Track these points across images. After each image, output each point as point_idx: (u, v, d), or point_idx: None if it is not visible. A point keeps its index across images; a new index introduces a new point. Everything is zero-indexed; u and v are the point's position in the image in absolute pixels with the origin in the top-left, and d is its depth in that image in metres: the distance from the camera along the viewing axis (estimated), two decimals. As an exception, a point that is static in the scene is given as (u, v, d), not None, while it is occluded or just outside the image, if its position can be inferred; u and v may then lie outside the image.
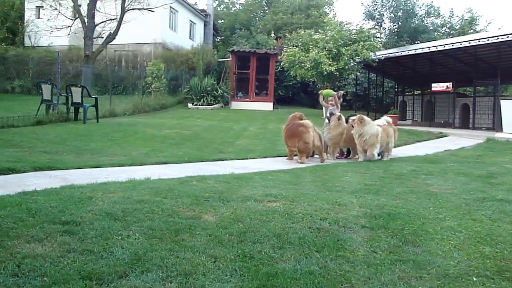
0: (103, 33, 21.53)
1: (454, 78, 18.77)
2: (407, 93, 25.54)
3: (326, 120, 9.53)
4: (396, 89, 25.37)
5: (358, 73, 22.79)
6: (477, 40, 16.14)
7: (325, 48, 18.63)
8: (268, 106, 22.42)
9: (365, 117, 8.71)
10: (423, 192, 5.28)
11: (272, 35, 29.78)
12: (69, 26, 21.93)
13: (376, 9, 34.55)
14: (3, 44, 24.24)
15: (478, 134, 14.60)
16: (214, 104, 21.65)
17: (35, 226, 3.32)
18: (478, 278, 2.82)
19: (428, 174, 6.74)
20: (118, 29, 20.80)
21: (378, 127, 8.67)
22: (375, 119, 10.52)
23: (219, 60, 25.34)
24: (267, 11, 39.41)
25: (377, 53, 19.84)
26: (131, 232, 3.32)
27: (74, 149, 8.54)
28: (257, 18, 39.89)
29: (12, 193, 4.35)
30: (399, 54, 20.69)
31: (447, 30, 34.23)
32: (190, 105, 21.41)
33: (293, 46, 20.36)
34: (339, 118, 9.01)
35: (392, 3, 33.53)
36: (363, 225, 3.76)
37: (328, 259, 3.03)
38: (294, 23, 33.04)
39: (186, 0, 29.26)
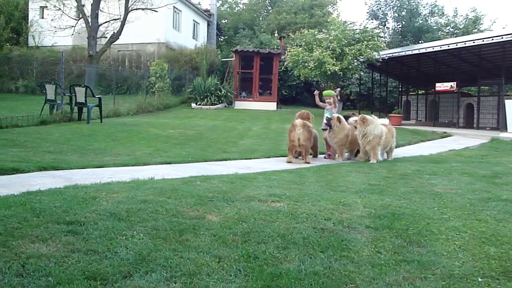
0: (107, 33, 21.60)
1: (458, 77, 18.71)
2: (411, 93, 25.48)
3: (324, 120, 9.16)
4: (400, 89, 25.32)
5: (362, 73, 22.75)
6: (482, 40, 16.08)
7: (329, 48, 18.61)
8: (272, 106, 22.42)
9: (368, 117, 8.46)
10: (427, 192, 5.26)
11: (276, 34, 29.78)
12: (73, 26, 22.01)
13: (380, 8, 34.52)
14: (8, 44, 24.38)
15: (482, 133, 14.54)
16: (217, 104, 21.66)
17: (39, 226, 3.33)
18: (483, 279, 2.80)
19: (432, 174, 6.71)
20: (122, 29, 20.85)
21: (383, 127, 8.44)
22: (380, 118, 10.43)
23: (222, 60, 25.36)
24: (270, 11, 39.42)
25: (381, 52, 19.81)
26: (135, 232, 3.32)
27: (78, 149, 8.55)
28: (261, 18, 39.93)
29: (17, 193, 4.37)
30: (403, 53, 20.64)
31: (451, 29, 34.15)
32: (193, 105, 21.43)
33: (297, 45, 20.35)
34: (339, 120, 8.67)
35: (396, 2, 33.50)
36: (367, 225, 3.75)
37: (333, 259, 3.02)
38: (298, 23, 33.06)
39: (190, 0, 29.29)
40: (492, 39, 15.54)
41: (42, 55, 23.67)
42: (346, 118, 8.98)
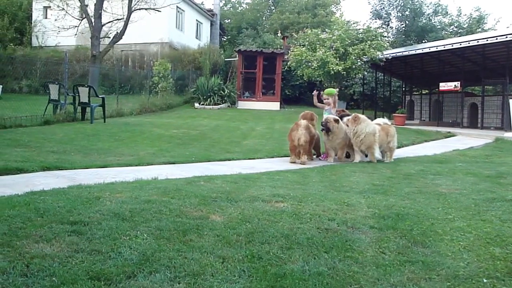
0: (110, 33, 21.63)
1: (462, 77, 18.63)
2: (415, 93, 25.42)
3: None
4: (403, 89, 25.26)
5: (365, 73, 22.72)
6: (486, 39, 16.02)
7: (332, 48, 18.59)
8: (275, 105, 22.41)
9: (360, 115, 8.35)
10: (431, 192, 5.24)
11: (279, 34, 29.76)
12: (76, 26, 22.07)
13: (383, 8, 34.43)
14: (11, 44, 24.45)
15: (486, 133, 14.48)
16: (220, 104, 21.66)
17: (43, 226, 3.33)
18: (489, 280, 2.79)
19: (436, 174, 6.69)
20: (125, 29, 20.88)
21: (375, 125, 8.29)
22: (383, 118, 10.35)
23: (225, 59, 25.36)
24: (273, 11, 39.41)
25: (385, 52, 19.77)
26: (139, 232, 3.31)
27: (82, 149, 8.57)
28: (264, 18, 39.92)
29: (21, 193, 4.38)
30: (406, 53, 20.59)
31: (455, 29, 34.02)
32: (196, 104, 21.44)
33: (300, 45, 20.33)
34: (337, 122, 8.39)
35: (399, 2, 33.40)
36: (371, 225, 3.73)
37: (337, 260, 3.01)
38: (301, 23, 33.01)
39: (193, 0, 29.33)
40: (496, 39, 15.47)
41: (46, 55, 23.75)
42: (341, 117, 8.85)
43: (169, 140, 10.71)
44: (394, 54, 20.58)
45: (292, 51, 19.89)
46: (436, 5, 34.39)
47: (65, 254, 2.86)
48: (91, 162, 7.16)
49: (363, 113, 10.16)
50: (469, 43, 16.64)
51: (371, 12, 35.00)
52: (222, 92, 21.95)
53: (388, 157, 8.53)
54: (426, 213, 4.15)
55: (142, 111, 17.82)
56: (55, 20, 22.34)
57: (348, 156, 8.90)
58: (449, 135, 14.47)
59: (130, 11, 20.93)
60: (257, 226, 3.58)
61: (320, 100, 9.54)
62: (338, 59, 18.37)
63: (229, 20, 39.80)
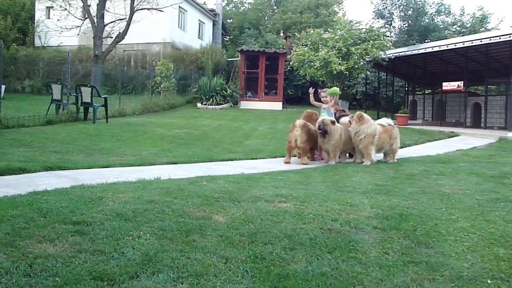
0: (113, 33, 21.66)
1: (465, 77, 18.58)
2: (418, 92, 25.36)
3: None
4: (406, 88, 25.21)
5: (368, 72, 22.71)
6: (489, 38, 15.97)
7: (335, 47, 18.57)
8: (277, 105, 22.40)
9: (365, 115, 8.24)
10: (435, 192, 5.23)
11: (281, 34, 29.75)
12: (78, 26, 22.10)
13: (386, 7, 34.39)
14: (14, 44, 24.47)
15: (490, 133, 14.45)
16: (223, 104, 21.66)
17: (46, 226, 3.33)
18: (493, 281, 2.78)
19: (439, 174, 6.67)
20: (127, 29, 20.90)
21: (377, 126, 8.20)
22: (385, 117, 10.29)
23: (228, 59, 25.36)
24: (276, 10, 39.37)
25: (387, 52, 19.74)
26: (141, 232, 3.31)
27: (84, 149, 8.58)
28: (266, 17, 39.90)
29: (23, 193, 4.38)
30: (409, 53, 20.55)
31: (458, 28, 33.94)
32: (199, 104, 21.45)
33: (303, 45, 20.32)
34: (333, 123, 8.10)
35: (402, 1, 33.36)
36: (374, 226, 3.72)
37: (340, 260, 3.00)
38: (303, 22, 32.98)
39: (195, -1, 29.37)
40: (500, 38, 15.42)
41: (48, 55, 23.79)
42: (340, 117, 8.74)
43: (171, 140, 10.72)
44: (397, 54, 20.54)
45: (295, 51, 19.88)
46: (439, 4, 34.36)
47: (68, 254, 2.86)
48: (93, 162, 7.17)
49: (365, 113, 10.05)
50: (472, 42, 16.59)
51: (373, 11, 35.00)
52: (225, 92, 21.95)
53: (391, 158, 8.46)
54: (429, 214, 4.13)
55: (145, 111, 17.83)
56: (58, 20, 22.40)
57: (351, 155, 8.85)
58: (452, 135, 14.44)
59: (132, 11, 20.95)
60: (260, 227, 3.57)
61: (318, 99, 9.35)
62: (340, 59, 18.36)
63: (231, 20, 39.78)
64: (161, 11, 21.84)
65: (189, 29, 29.02)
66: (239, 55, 23.59)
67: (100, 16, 20.60)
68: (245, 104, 22.43)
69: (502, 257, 3.12)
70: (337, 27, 20.14)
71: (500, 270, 2.92)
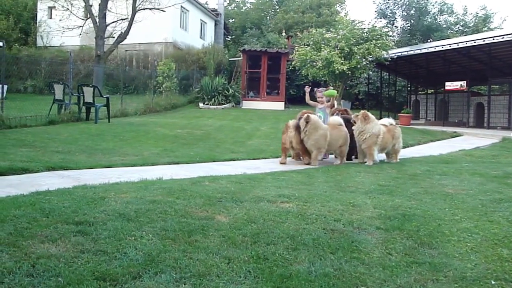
0: (115, 33, 21.66)
1: (468, 76, 18.55)
2: (420, 92, 25.32)
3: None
4: (409, 88, 25.16)
5: (371, 72, 22.65)
6: (492, 38, 15.94)
7: (337, 47, 18.52)
8: (280, 105, 22.38)
9: (370, 114, 8.14)
10: (438, 192, 5.21)
11: (283, 34, 29.71)
12: (80, 26, 22.12)
13: (388, 7, 34.36)
14: (16, 44, 24.53)
15: (493, 133, 14.41)
16: (225, 104, 21.66)
17: (48, 226, 3.33)
18: (497, 282, 2.76)
19: (442, 174, 6.65)
20: (129, 29, 20.90)
21: (381, 126, 8.13)
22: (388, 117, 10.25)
23: (230, 59, 25.36)
24: (278, 10, 39.36)
25: (390, 51, 19.69)
26: (144, 232, 3.31)
27: (86, 149, 8.59)
28: (268, 17, 39.88)
29: (26, 193, 4.38)
30: (412, 52, 20.52)
31: (461, 28, 33.88)
32: (201, 104, 21.45)
33: (305, 45, 20.28)
34: (307, 120, 7.73)
35: (404, 1, 33.31)
36: (377, 226, 3.71)
37: (343, 261, 2.99)
38: (305, 22, 32.95)
39: (197, -1, 29.37)
40: (503, 37, 15.39)
41: (50, 55, 23.83)
42: (346, 120, 8.46)
43: (173, 140, 10.72)
44: (400, 54, 20.51)
45: (297, 51, 19.85)
46: (442, 3, 34.30)
47: (70, 255, 2.85)
48: (96, 162, 7.17)
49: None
50: (475, 42, 16.56)
51: (376, 11, 34.95)
52: (227, 92, 21.94)
53: (394, 158, 8.43)
54: (432, 214, 4.12)
55: (147, 111, 17.83)
56: (60, 20, 22.42)
57: (356, 156, 8.73)
58: (455, 135, 14.40)
59: (134, 11, 20.96)
60: (262, 227, 3.57)
61: (313, 98, 9.20)
62: (343, 59, 18.31)
63: (233, 20, 39.78)
64: (163, 11, 21.84)
65: (191, 29, 29.03)
66: (241, 55, 23.58)
67: (102, 16, 20.61)
68: (247, 104, 22.42)
69: (506, 257, 3.11)
70: (339, 26, 20.09)
71: (504, 271, 2.90)
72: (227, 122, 15.41)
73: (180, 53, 25.38)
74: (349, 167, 7.58)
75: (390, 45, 19.80)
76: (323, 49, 18.61)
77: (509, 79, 18.14)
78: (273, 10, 41.04)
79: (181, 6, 25.95)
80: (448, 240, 3.44)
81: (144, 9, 21.32)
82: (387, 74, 24.01)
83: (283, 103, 22.67)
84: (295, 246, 3.20)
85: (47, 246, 2.98)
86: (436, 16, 34.08)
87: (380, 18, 34.57)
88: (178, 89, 21.84)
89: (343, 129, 8.17)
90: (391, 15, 34.42)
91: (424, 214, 4.09)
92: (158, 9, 21.46)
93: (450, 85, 18.95)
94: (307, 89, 9.23)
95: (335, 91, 9.56)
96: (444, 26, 33.68)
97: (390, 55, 19.58)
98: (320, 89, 9.35)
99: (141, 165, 7.16)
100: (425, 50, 19.37)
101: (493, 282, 2.75)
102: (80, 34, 22.92)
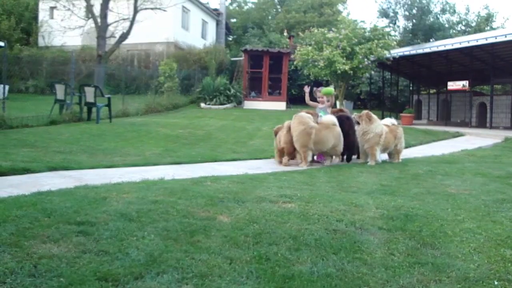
0: (116, 33, 21.66)
1: (471, 76, 18.50)
2: (423, 92, 25.27)
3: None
4: (411, 88, 25.12)
5: (372, 72, 22.62)
6: (495, 37, 15.90)
7: (339, 47, 18.50)
8: (281, 105, 22.34)
9: (373, 114, 8.09)
10: (440, 193, 5.20)
11: (285, 33, 29.68)
12: (82, 26, 22.11)
13: (390, 6, 34.35)
14: (18, 44, 24.55)
15: (495, 133, 14.38)
16: (226, 104, 21.63)
17: (50, 226, 3.33)
18: (500, 282, 2.76)
19: (445, 174, 6.64)
20: (131, 28, 20.91)
21: (383, 126, 8.10)
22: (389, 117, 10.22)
23: (231, 59, 25.33)
24: (279, 10, 39.37)
25: (392, 51, 19.65)
26: (146, 233, 3.30)
27: (88, 149, 8.58)
28: (270, 17, 39.89)
29: (28, 193, 4.38)
30: (414, 52, 20.48)
31: (463, 27, 33.84)
32: (202, 104, 21.44)
33: (306, 45, 20.25)
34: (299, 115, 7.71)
35: (406, 0, 33.25)
36: (380, 226, 3.70)
37: (345, 261, 2.98)
38: (307, 22, 32.95)
39: (199, -1, 29.39)
40: (506, 37, 15.34)
41: (52, 55, 23.84)
42: (339, 117, 8.27)
43: (175, 140, 10.71)
44: (402, 53, 20.47)
45: (299, 51, 19.82)
46: (444, 3, 34.26)
47: (72, 255, 2.85)
48: (97, 162, 7.17)
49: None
50: (477, 41, 16.52)
51: (378, 10, 34.96)
52: (228, 92, 21.92)
53: (396, 158, 8.40)
54: (435, 214, 4.11)
55: (148, 111, 17.82)
56: (61, 20, 22.40)
57: (358, 157, 8.72)
58: (457, 135, 14.37)
59: (136, 11, 20.96)
60: (264, 227, 3.56)
61: (313, 98, 9.11)
62: (345, 58, 18.28)
63: (235, 20, 39.75)
64: (164, 10, 21.84)
65: (192, 29, 29.03)
66: (243, 55, 23.56)
67: (104, 16, 20.62)
68: (248, 104, 22.39)
69: (509, 258, 3.10)
70: (341, 26, 20.05)
71: (507, 271, 2.90)
72: (229, 122, 15.40)
73: (181, 53, 25.38)
74: (351, 167, 7.57)
75: (392, 44, 19.77)
76: (325, 48, 18.58)
77: (511, 79, 18.11)
78: (274, 10, 41.04)
79: (183, 6, 25.96)
80: (451, 241, 3.43)
81: (145, 8, 21.32)
82: (389, 74, 23.97)
83: (285, 103, 22.63)
84: (297, 247, 3.20)
85: (49, 246, 2.98)
86: (438, 16, 34.05)
87: (382, 18, 34.57)
88: (179, 89, 21.81)
89: (336, 129, 7.90)
90: (393, 14, 34.40)
91: (426, 215, 4.08)
92: (159, 8, 21.45)
93: (452, 85, 18.92)
94: (307, 89, 9.11)
95: (332, 89, 9.46)
96: (446, 25, 33.65)
97: (392, 55, 19.54)
98: (319, 88, 9.27)
99: (142, 165, 7.15)
100: (427, 50, 19.33)
101: (496, 283, 2.74)
102: (82, 34, 22.92)
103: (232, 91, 22.06)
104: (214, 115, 17.83)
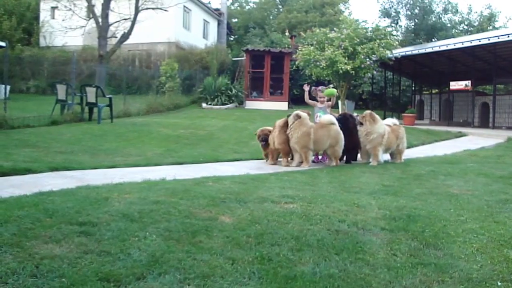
0: (117, 33, 21.68)
1: (473, 76, 18.47)
2: (425, 92, 25.22)
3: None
4: (413, 88, 25.08)
5: (374, 72, 22.56)
6: (497, 37, 15.87)
7: (341, 47, 18.47)
8: (283, 105, 22.30)
9: (375, 114, 8.08)
10: (443, 193, 5.18)
11: (287, 33, 29.66)
12: (83, 26, 22.13)
13: (392, 6, 34.30)
14: (19, 44, 24.58)
15: (498, 133, 14.35)
16: (228, 104, 21.63)
17: (52, 226, 3.32)
18: (503, 283, 2.74)
19: (447, 174, 6.62)
20: (132, 28, 20.92)
21: (386, 126, 8.11)
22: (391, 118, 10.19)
23: (233, 59, 25.33)
24: (281, 10, 39.38)
25: (394, 51, 19.62)
26: (147, 233, 3.29)
27: (89, 149, 8.59)
28: (271, 17, 39.88)
29: (29, 193, 4.37)
30: (416, 52, 20.45)
31: (465, 27, 33.82)
32: (204, 104, 21.43)
33: (308, 44, 20.22)
34: (298, 116, 7.68)
35: (408, 0, 33.20)
36: (382, 227, 3.69)
37: (348, 262, 2.97)
38: (309, 22, 32.95)
39: (200, -1, 29.39)
40: (508, 36, 15.30)
41: (53, 55, 23.87)
42: (349, 115, 8.38)
43: (176, 141, 10.71)
44: (404, 53, 20.44)
45: (300, 50, 19.78)
46: (446, 2, 34.22)
47: (74, 255, 2.85)
48: (99, 162, 7.16)
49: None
50: (480, 41, 16.48)
51: (380, 10, 34.92)
52: (230, 92, 21.91)
53: (398, 158, 8.39)
54: (437, 215, 4.09)
55: (149, 111, 17.82)
56: (63, 20, 22.41)
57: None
58: (459, 135, 14.34)
59: (137, 11, 20.98)
60: (266, 228, 3.55)
61: (312, 97, 9.03)
62: (346, 58, 18.24)
63: (236, 19, 39.76)
64: (165, 10, 21.84)
65: (193, 29, 29.04)
66: (244, 55, 23.56)
67: (105, 16, 20.63)
68: (250, 104, 22.38)
69: (512, 259, 3.08)
70: (343, 26, 20.01)
71: (510, 272, 2.88)
72: (230, 122, 15.39)
73: (183, 53, 25.38)
74: (353, 167, 7.57)
75: (394, 44, 19.72)
76: (326, 48, 18.54)
77: (514, 78, 18.08)
78: (276, 10, 41.05)
79: (184, 6, 25.95)
80: (453, 241, 3.41)
81: (146, 8, 21.33)
82: (391, 73, 23.93)
83: (287, 103, 22.61)
84: (299, 247, 3.18)
85: (51, 246, 2.97)
86: (440, 15, 34.01)
87: (384, 17, 34.55)
88: (181, 89, 21.82)
89: (334, 128, 7.80)
90: (395, 14, 34.37)
91: (429, 215, 4.07)
92: (160, 8, 21.46)
93: (454, 85, 18.88)
94: (306, 88, 9.02)
95: (335, 90, 9.38)
96: (449, 25, 33.61)
97: (394, 55, 19.50)
98: (319, 88, 9.16)
99: (144, 166, 7.15)
100: (430, 50, 19.30)
101: (499, 284, 2.73)
102: (83, 34, 22.93)
103: (234, 91, 22.05)
104: (216, 115, 17.82)
